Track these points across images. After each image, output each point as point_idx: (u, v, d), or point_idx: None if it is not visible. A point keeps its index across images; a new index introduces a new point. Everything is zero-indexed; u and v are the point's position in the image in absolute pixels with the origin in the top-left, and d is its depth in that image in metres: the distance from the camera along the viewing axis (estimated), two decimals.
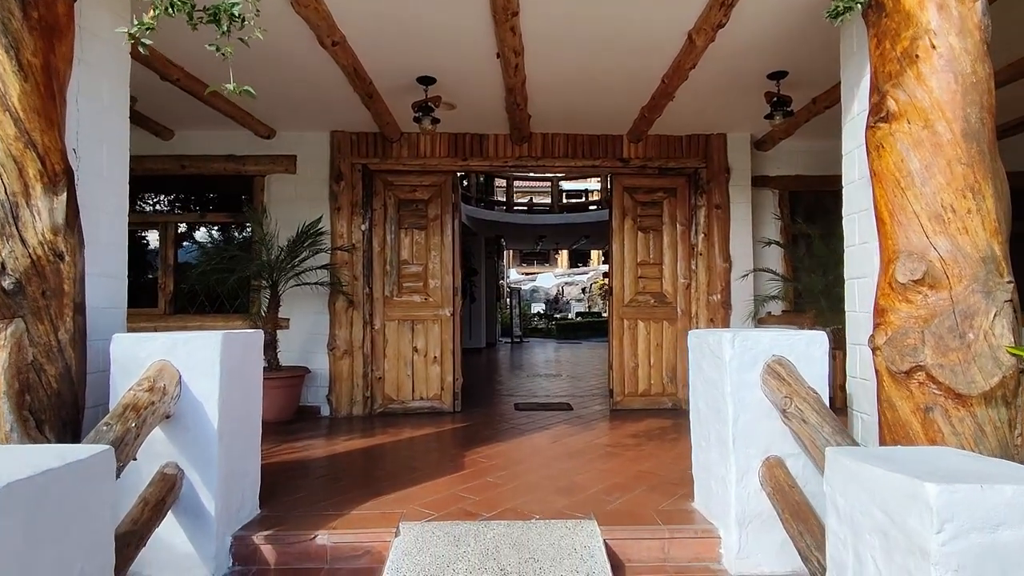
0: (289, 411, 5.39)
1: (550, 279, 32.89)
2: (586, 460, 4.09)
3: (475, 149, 5.92)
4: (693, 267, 6.05)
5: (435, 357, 5.93)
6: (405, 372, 5.90)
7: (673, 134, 6.01)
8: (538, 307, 27.52)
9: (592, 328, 21.94)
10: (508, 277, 24.84)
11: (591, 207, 15.47)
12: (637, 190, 6.16)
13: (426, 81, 4.53)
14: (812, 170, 6.30)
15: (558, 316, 25.12)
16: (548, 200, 15.20)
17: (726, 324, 5.94)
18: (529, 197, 18.30)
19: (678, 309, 6.13)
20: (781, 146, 6.24)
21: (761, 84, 4.63)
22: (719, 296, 5.94)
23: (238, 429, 2.81)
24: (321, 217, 5.65)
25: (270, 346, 5.36)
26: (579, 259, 34.86)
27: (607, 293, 20.40)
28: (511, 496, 3.30)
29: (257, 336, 3.03)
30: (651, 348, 6.12)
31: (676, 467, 3.87)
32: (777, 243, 6.14)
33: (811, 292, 5.18)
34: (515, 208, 15.19)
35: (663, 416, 5.72)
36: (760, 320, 6.01)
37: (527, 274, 34.50)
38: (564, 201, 15.29)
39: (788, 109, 4.54)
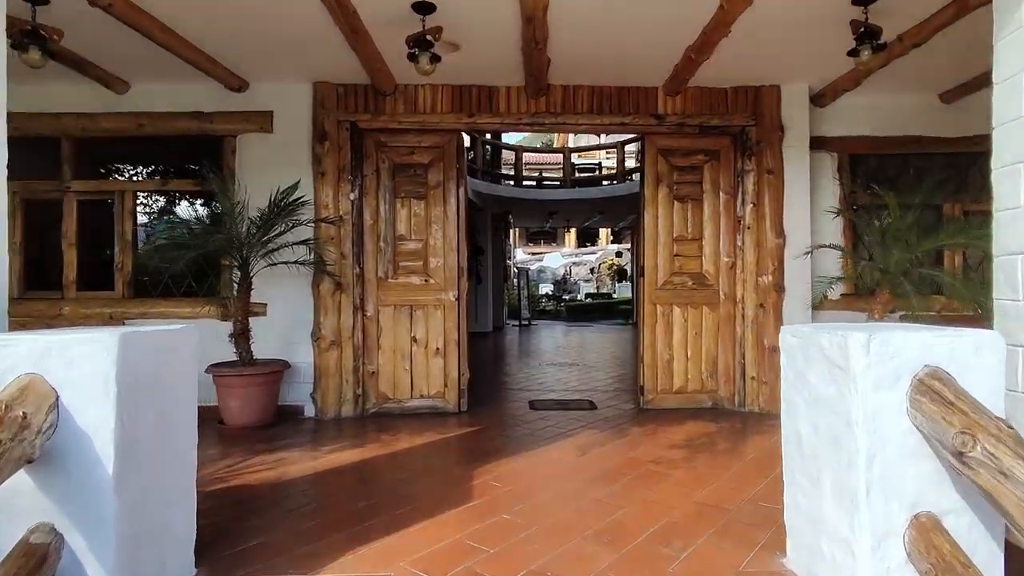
0: (266, 413, 4.58)
1: (558, 259, 32.03)
2: (626, 485, 3.25)
3: (483, 104, 5.01)
4: (739, 243, 5.16)
5: (437, 348, 5.09)
6: (403, 366, 5.06)
7: (717, 86, 5.08)
8: (546, 288, 26.70)
9: (602, 310, 21.09)
10: (515, 256, 23.96)
11: (604, 182, 14.50)
12: (673, 152, 5.25)
13: (423, 8, 3.61)
14: (879, 130, 5.36)
15: (567, 298, 24.28)
16: (559, 174, 14.24)
17: (779, 311, 5.06)
18: (539, 171, 17.32)
19: (720, 292, 5.25)
20: (841, 103, 5.29)
21: (842, 12, 3.69)
22: (770, 277, 5.06)
23: (152, 468, 1.98)
24: (299, 182, 4.75)
25: (242, 336, 4.53)
26: (587, 238, 33.94)
27: (617, 273, 19.46)
28: (536, 547, 2.47)
29: (182, 334, 2.17)
30: (688, 338, 5.26)
31: (742, 495, 3.04)
32: (849, 211, 5.23)
33: (888, 272, 4.30)
34: (524, 183, 14.23)
35: (704, 417, 4.89)
36: (815, 308, 5.13)
37: (534, 254, 33.64)
38: (576, 175, 14.33)
39: (879, 42, 3.61)
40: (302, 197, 4.75)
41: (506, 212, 14.50)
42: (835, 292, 5.32)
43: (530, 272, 26.56)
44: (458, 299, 5.11)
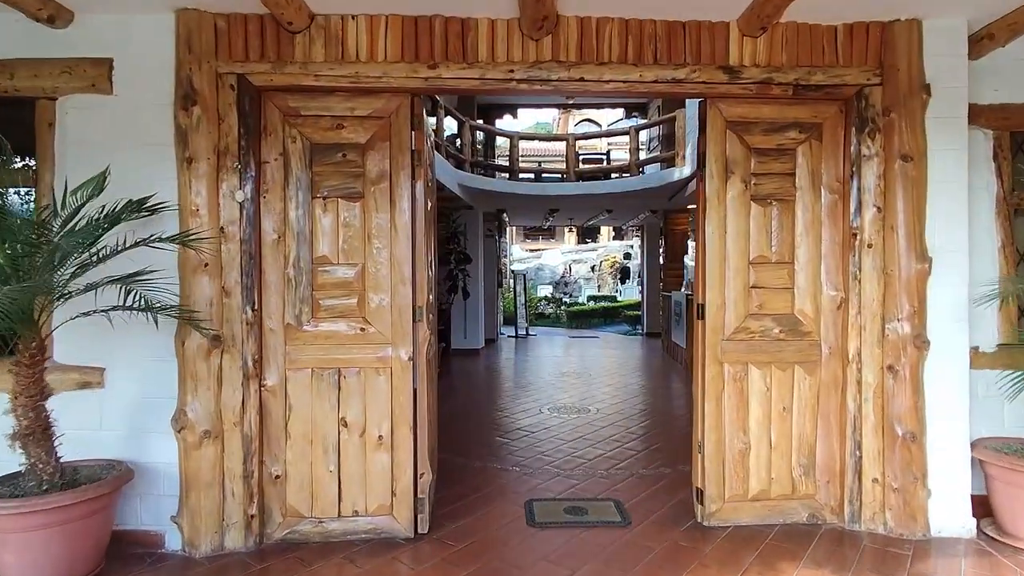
0: (82, 564, 2.71)
1: (557, 256, 30.31)
2: None
3: (452, 47, 3.13)
4: (853, 269, 3.30)
5: (380, 437, 3.22)
6: (325, 465, 3.20)
7: (821, 22, 3.22)
8: (544, 289, 24.89)
9: (607, 315, 19.32)
10: (511, 256, 22.07)
11: (613, 175, 12.61)
12: (752, 127, 3.37)
13: None
14: None
15: (567, 301, 22.44)
16: (562, 165, 12.33)
17: (918, 376, 3.21)
18: (537, 163, 15.41)
19: (822, 345, 3.39)
20: (1006, 54, 3.42)
21: None
22: (906, 324, 3.20)
23: None
24: (149, 173, 2.88)
25: (32, 437, 2.64)
26: (588, 234, 32.20)
27: (620, 272, 17.58)
28: None
29: None
30: (773, 415, 3.40)
31: None
32: (1011, 215, 3.39)
33: None
34: (521, 176, 12.32)
35: (801, 544, 3.07)
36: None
37: (532, 251, 31.88)
38: (580, 167, 12.44)
39: None
40: (152, 198, 2.88)
41: (500, 210, 12.61)
42: (988, 340, 3.48)
43: (528, 271, 24.80)
44: (413, 358, 3.24)
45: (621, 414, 6.18)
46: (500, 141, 13.46)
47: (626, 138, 12.82)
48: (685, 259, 11.36)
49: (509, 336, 14.34)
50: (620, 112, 16.79)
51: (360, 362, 3.21)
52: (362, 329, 3.22)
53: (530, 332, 14.98)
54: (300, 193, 3.20)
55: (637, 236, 25.59)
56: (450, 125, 11.91)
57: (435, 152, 7.76)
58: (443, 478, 4.09)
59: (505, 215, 13.05)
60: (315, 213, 3.21)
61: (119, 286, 2.67)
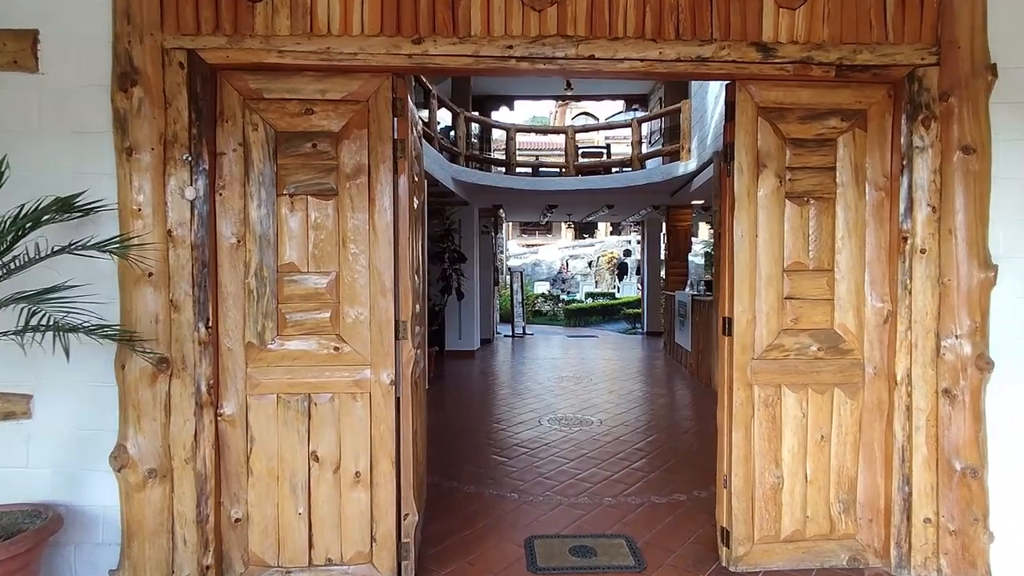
0: None
1: (554, 252, 29.93)
2: None
3: (441, 16, 2.66)
4: (903, 278, 2.86)
5: (358, 474, 2.77)
6: (294, 507, 2.75)
7: None
8: (542, 286, 24.48)
9: (605, 313, 18.92)
10: (507, 251, 21.56)
11: (614, 169, 12.15)
12: (787, 114, 2.92)
13: None
14: None
15: (565, 298, 22.03)
16: (561, 159, 11.86)
17: (979, 402, 2.78)
18: (535, 156, 14.94)
19: (866, 366, 2.96)
20: None
21: None
22: (966, 342, 2.77)
23: None
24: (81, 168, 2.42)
25: None
26: (585, 230, 31.81)
27: (618, 268, 17.16)
28: None
29: None
30: (809, 444, 2.97)
31: None
32: None
33: None
34: (518, 170, 11.84)
35: None
36: None
37: (529, 246, 31.47)
38: (580, 161, 11.96)
39: None
40: (84, 195, 2.42)
41: (496, 206, 12.15)
42: None
43: (524, 267, 24.38)
44: (397, 382, 2.79)
45: (626, 426, 5.75)
46: (496, 135, 12.98)
47: (625, 132, 12.37)
48: (690, 257, 10.93)
49: (506, 336, 13.91)
50: (619, 105, 16.33)
51: (334, 386, 2.77)
52: (336, 348, 2.77)
53: (527, 331, 14.55)
54: (263, 190, 2.74)
55: (635, 232, 25.18)
56: (444, 118, 11.45)
57: (426, 144, 7.30)
58: (431, 507, 3.65)
59: (502, 211, 12.59)
60: (281, 213, 2.75)
61: (25, 306, 2.19)
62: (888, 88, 2.92)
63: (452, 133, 10.07)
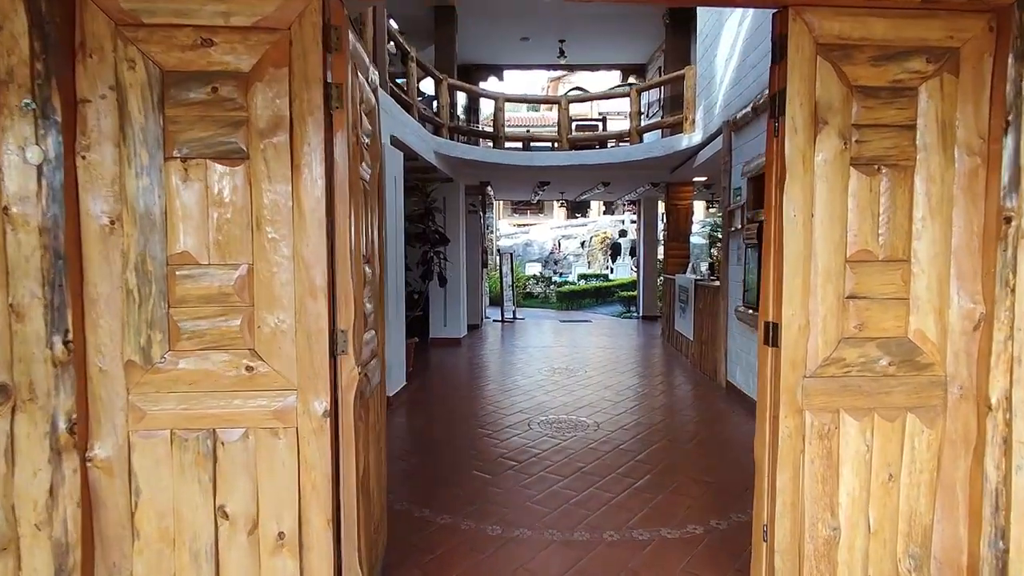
0: None
1: (546, 231, 29.20)
2: None
3: None
4: (1004, 269, 2.17)
5: (281, 535, 2.08)
6: None
7: None
8: (533, 267, 23.80)
9: (599, 295, 18.32)
10: (497, 231, 20.76)
11: (611, 143, 11.37)
12: (855, 52, 2.19)
13: None
14: None
15: (557, 280, 21.36)
16: (554, 132, 11.04)
17: None
18: (526, 130, 14.09)
19: (951, 383, 2.28)
20: None
21: None
22: None
23: None
24: None
25: None
26: (578, 209, 31.10)
27: (611, 249, 16.50)
28: None
29: None
30: (872, 485, 2.30)
31: None
32: None
33: None
34: (507, 144, 11.05)
35: None
36: None
37: (520, 226, 30.71)
38: (573, 134, 11.17)
39: None
40: None
41: (484, 183, 11.37)
42: None
43: (515, 248, 23.63)
44: (334, 412, 2.08)
45: (626, 431, 5.09)
46: (484, 107, 12.15)
47: (620, 108, 11.56)
48: (691, 238, 10.23)
49: (495, 320, 13.24)
50: (616, 77, 15.49)
51: (247, 419, 2.05)
52: (249, 367, 2.05)
53: (517, 316, 13.88)
54: (145, 152, 1.99)
55: (630, 211, 24.42)
56: (427, 88, 10.62)
57: (405, 113, 6.50)
58: (395, 547, 2.98)
59: (490, 188, 11.81)
60: (171, 184, 2.01)
61: None
62: (990, 17, 2.19)
63: (435, 103, 9.25)
